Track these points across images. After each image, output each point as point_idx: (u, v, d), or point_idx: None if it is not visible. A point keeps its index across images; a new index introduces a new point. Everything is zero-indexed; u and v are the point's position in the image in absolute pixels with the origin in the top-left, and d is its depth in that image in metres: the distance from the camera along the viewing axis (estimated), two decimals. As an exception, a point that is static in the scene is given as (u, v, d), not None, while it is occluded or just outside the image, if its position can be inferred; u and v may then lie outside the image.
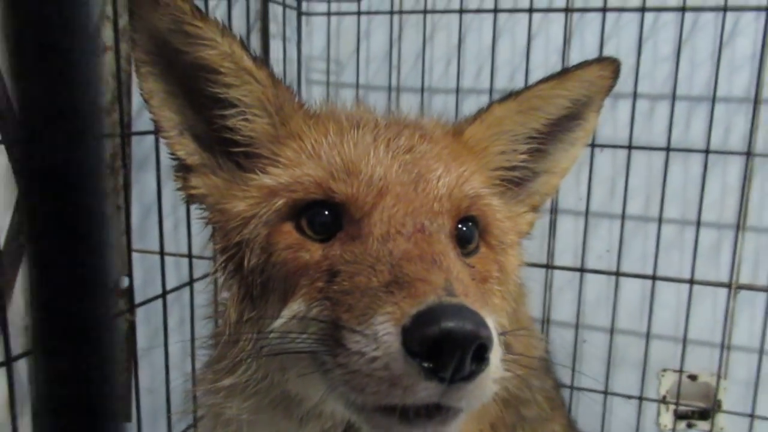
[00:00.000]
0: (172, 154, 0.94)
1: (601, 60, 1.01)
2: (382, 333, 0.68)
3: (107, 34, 1.75)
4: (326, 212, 0.85)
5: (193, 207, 1.06)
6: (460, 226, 0.89)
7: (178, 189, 0.96)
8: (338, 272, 0.78)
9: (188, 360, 1.53)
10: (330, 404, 0.83)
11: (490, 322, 0.69)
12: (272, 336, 0.82)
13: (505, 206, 1.01)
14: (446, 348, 0.65)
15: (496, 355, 0.72)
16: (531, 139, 1.04)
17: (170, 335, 1.72)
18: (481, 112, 1.02)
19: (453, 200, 0.87)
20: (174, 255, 2.00)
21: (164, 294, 1.63)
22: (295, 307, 0.81)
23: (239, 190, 0.91)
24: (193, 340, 1.47)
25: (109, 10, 1.70)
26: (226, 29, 0.89)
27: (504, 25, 1.98)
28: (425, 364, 0.67)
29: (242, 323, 0.88)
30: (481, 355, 0.68)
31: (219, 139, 0.94)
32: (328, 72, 2.11)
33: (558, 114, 1.03)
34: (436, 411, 0.71)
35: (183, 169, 0.95)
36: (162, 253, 1.64)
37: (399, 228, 0.79)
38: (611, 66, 1.01)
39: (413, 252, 0.76)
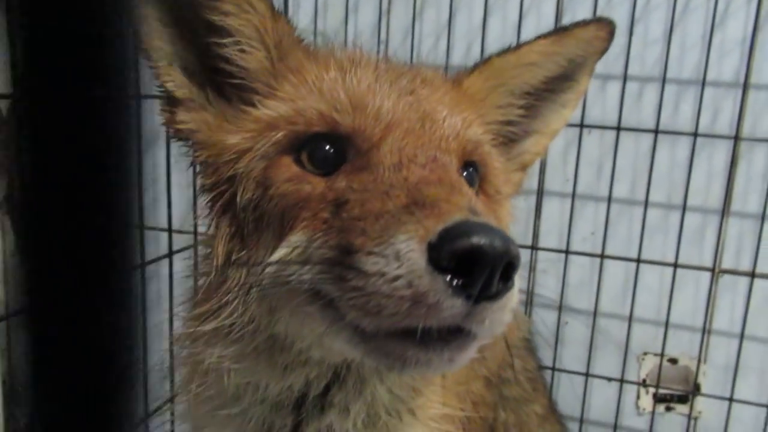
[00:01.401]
0: (159, 85, 0.91)
1: (599, 20, 1.02)
2: (406, 250, 0.66)
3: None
4: (328, 146, 0.82)
5: (172, 177, 1.03)
6: (463, 170, 0.88)
7: (164, 123, 0.93)
8: (346, 201, 0.75)
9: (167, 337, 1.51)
10: (327, 341, 0.79)
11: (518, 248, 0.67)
12: (267, 271, 0.79)
13: (502, 160, 1.01)
14: (477, 263, 0.63)
15: (518, 280, 0.70)
16: (527, 95, 1.04)
17: (149, 310, 1.69)
18: (480, 64, 1.01)
19: (459, 142, 0.86)
20: (153, 229, 1.96)
21: (143, 265, 1.59)
22: (295, 239, 0.78)
23: (232, 124, 0.88)
24: (171, 314, 1.44)
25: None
26: None
27: (495, 2, 1.95)
28: (453, 281, 0.64)
29: (230, 264, 0.85)
30: (508, 275, 0.66)
31: (211, 71, 0.91)
32: (315, 46, 2.06)
33: (554, 72, 1.03)
34: (454, 335, 0.69)
35: (170, 102, 0.92)
36: (142, 226, 1.60)
37: (412, 158, 0.77)
38: (607, 27, 1.02)
39: (431, 177, 0.74)
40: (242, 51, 0.89)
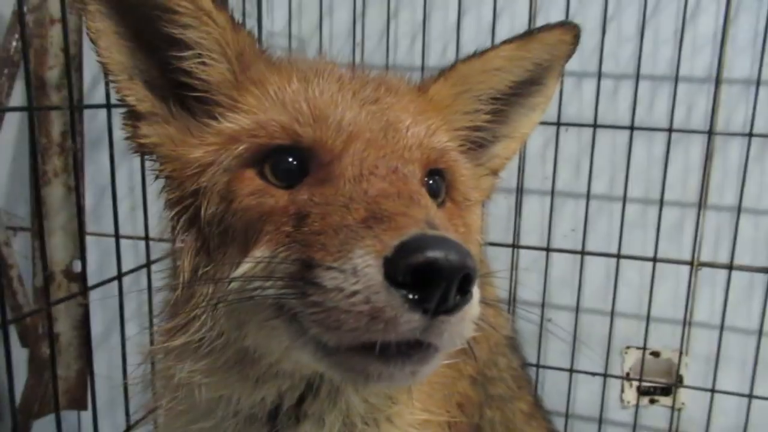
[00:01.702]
0: (121, 99, 0.90)
1: (563, 24, 1.01)
2: (363, 266, 0.66)
3: (54, 6, 1.67)
4: (290, 159, 0.82)
5: (150, 185, 1.01)
6: (428, 179, 0.87)
7: (127, 138, 0.92)
8: (307, 215, 0.75)
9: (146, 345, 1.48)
10: (294, 355, 0.79)
11: (474, 260, 0.67)
12: (232, 286, 0.79)
13: (470, 165, 1.00)
14: (432, 278, 0.63)
15: (476, 291, 0.70)
16: (494, 100, 1.04)
17: (127, 321, 1.66)
18: (445, 71, 1.01)
19: (422, 150, 0.86)
20: (130, 237, 1.93)
21: (120, 276, 1.57)
22: (259, 253, 0.77)
23: (195, 138, 0.87)
24: (151, 323, 1.42)
25: (56, -22, 1.62)
26: None
27: (469, 2, 1.95)
28: (409, 295, 0.64)
29: (197, 278, 0.84)
30: (465, 288, 0.66)
31: (173, 85, 0.90)
32: (290, 49, 2.05)
33: (520, 76, 1.03)
34: (415, 349, 0.69)
35: (133, 117, 0.90)
36: (117, 235, 1.58)
37: (372, 170, 0.77)
38: (573, 31, 1.01)
39: (390, 190, 0.74)
40: (203, 64, 0.88)
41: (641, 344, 1.95)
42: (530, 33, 1.01)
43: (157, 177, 0.92)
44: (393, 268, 0.64)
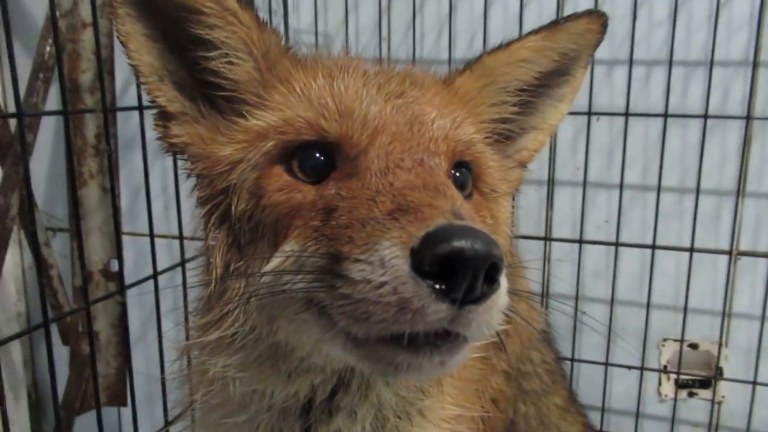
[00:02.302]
0: (152, 101, 0.92)
1: (590, 13, 1.00)
2: (390, 257, 0.66)
3: (85, 11, 1.70)
4: (317, 154, 0.83)
5: (183, 185, 1.03)
6: (454, 171, 0.88)
7: (159, 138, 0.93)
8: (335, 209, 0.76)
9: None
10: (324, 348, 0.80)
11: (501, 249, 0.67)
12: (263, 280, 0.80)
13: (497, 156, 1.00)
14: (459, 267, 0.63)
15: (504, 281, 0.70)
16: (521, 92, 1.03)
17: (163, 318, 1.69)
18: (471, 63, 1.01)
19: (448, 143, 0.86)
20: (165, 237, 1.97)
21: (155, 275, 1.60)
22: (288, 248, 0.78)
23: (224, 136, 0.89)
24: (186, 320, 1.44)
25: (87, -16, 1.65)
26: None
27: (496, -8, 1.93)
28: (436, 285, 0.65)
29: (229, 274, 0.85)
30: (492, 277, 0.66)
31: (201, 84, 0.92)
32: (316, 45, 2.06)
33: (547, 67, 1.02)
34: (443, 339, 0.69)
35: (163, 117, 0.92)
36: (152, 235, 1.60)
37: (398, 162, 0.77)
38: (600, 20, 1.00)
39: (415, 181, 0.74)
40: (230, 63, 0.90)
41: (679, 336, 1.91)
42: (556, 23, 1.00)
43: (188, 176, 0.94)
44: (419, 258, 0.65)
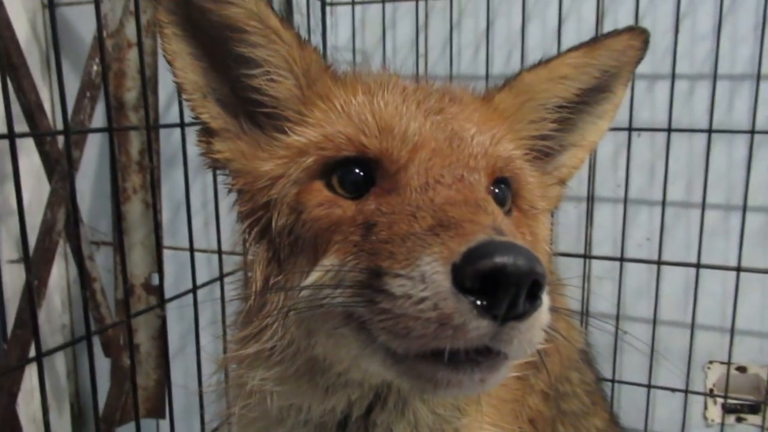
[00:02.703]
0: (195, 117, 0.94)
1: (631, 29, 0.99)
2: (431, 272, 0.66)
3: (131, 31, 1.75)
4: (357, 170, 0.83)
5: (222, 200, 1.05)
6: (493, 187, 0.87)
7: (201, 154, 0.95)
8: (375, 224, 0.76)
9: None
10: (363, 364, 0.79)
11: (544, 266, 0.66)
12: (302, 294, 0.80)
13: (536, 173, 0.99)
14: (501, 283, 0.63)
15: (546, 298, 0.69)
16: (560, 108, 1.03)
17: (202, 332, 1.71)
18: (510, 80, 1.01)
19: (488, 159, 0.85)
20: (204, 251, 2.00)
21: (194, 289, 1.62)
22: (328, 262, 0.79)
23: (265, 152, 0.90)
24: (224, 333, 1.46)
25: (132, 5, 1.70)
26: None
27: (533, 7, 1.92)
28: (478, 301, 0.64)
29: (268, 288, 0.86)
30: (534, 294, 0.65)
31: (243, 101, 0.93)
32: (354, 62, 2.08)
33: (587, 84, 1.02)
34: (484, 356, 0.69)
35: (206, 133, 0.94)
36: (192, 249, 1.63)
37: (438, 178, 0.78)
38: (641, 36, 1.00)
39: (456, 197, 0.74)
40: (272, 80, 0.91)
41: (725, 359, 1.85)
42: (597, 39, 0.99)
43: (229, 191, 0.95)
44: (461, 274, 0.64)
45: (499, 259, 0.62)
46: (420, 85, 0.97)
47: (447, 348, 0.67)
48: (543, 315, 0.69)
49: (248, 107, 0.93)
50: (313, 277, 0.80)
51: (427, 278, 0.66)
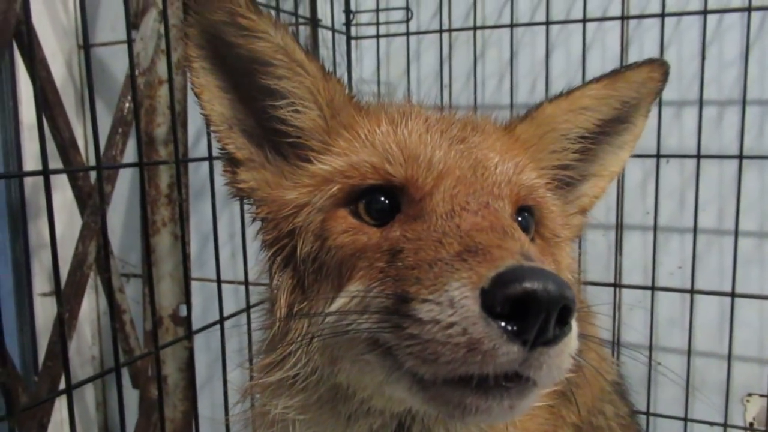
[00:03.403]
0: (221, 148, 0.96)
1: (651, 62, 1.01)
2: (459, 297, 0.66)
3: (162, 68, 1.80)
4: (383, 198, 0.84)
5: (248, 232, 1.06)
6: (517, 216, 0.88)
7: (227, 183, 0.97)
8: (401, 250, 0.76)
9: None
10: (388, 391, 0.79)
11: (573, 292, 0.66)
12: (327, 320, 0.80)
13: (558, 202, 1.00)
14: (531, 308, 0.63)
15: (575, 324, 0.69)
16: (582, 139, 1.04)
17: (229, 363, 1.71)
18: (532, 110, 1.02)
19: (512, 187, 0.86)
20: (231, 282, 2.01)
21: (221, 320, 1.63)
22: (353, 288, 0.79)
23: (290, 180, 0.92)
24: (251, 362, 1.46)
25: (163, 43, 1.75)
26: (279, 22, 0.90)
27: (557, 37, 1.93)
28: (508, 327, 0.64)
29: (292, 315, 0.87)
30: (564, 319, 0.65)
31: (268, 132, 0.95)
32: (379, 94, 2.10)
33: (608, 115, 1.03)
34: (513, 382, 0.68)
35: (232, 163, 0.96)
36: (219, 281, 1.64)
37: (464, 205, 0.78)
38: (661, 68, 1.01)
39: (482, 223, 0.75)
40: (297, 111, 0.93)
41: (765, 391, 1.78)
42: (618, 71, 1.01)
43: (253, 219, 0.97)
44: (490, 299, 0.64)
45: (529, 284, 0.62)
46: (442, 115, 0.98)
47: (476, 374, 0.67)
48: (572, 341, 0.69)
49: (273, 137, 0.95)
50: (339, 303, 0.80)
51: (455, 303, 0.66)
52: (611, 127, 1.05)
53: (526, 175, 0.90)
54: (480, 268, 0.67)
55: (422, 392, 0.73)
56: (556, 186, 1.03)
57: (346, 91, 0.95)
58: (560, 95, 1.02)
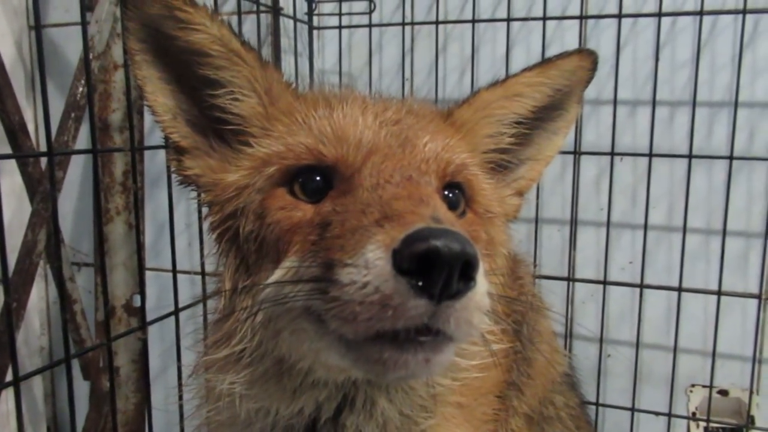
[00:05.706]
0: (166, 137, 0.99)
1: (581, 51, 1.07)
2: (374, 258, 0.70)
3: (117, 53, 1.75)
4: (317, 177, 0.88)
5: (205, 223, 1.05)
6: (446, 192, 0.92)
7: (173, 171, 1.00)
8: (330, 223, 0.81)
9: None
10: (322, 356, 0.83)
11: (477, 249, 0.70)
12: (266, 292, 0.84)
13: (493, 183, 1.05)
14: (435, 264, 0.67)
15: (483, 281, 0.73)
16: (517, 124, 1.09)
17: (184, 354, 1.69)
18: (469, 97, 1.07)
19: (439, 163, 0.91)
20: (187, 273, 1.98)
21: (176, 311, 1.61)
22: (288, 263, 0.83)
23: (232, 165, 0.95)
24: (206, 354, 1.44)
25: (119, 27, 1.70)
26: (215, 14, 0.93)
27: (518, 33, 1.95)
28: (415, 282, 0.68)
29: (237, 293, 0.90)
30: (468, 275, 0.70)
31: (211, 120, 0.98)
32: (340, 85, 2.09)
33: (542, 101, 1.08)
34: (427, 336, 0.73)
35: (177, 152, 0.99)
36: (174, 270, 1.62)
37: (388, 178, 0.83)
38: (590, 57, 1.07)
39: (402, 193, 0.80)
40: (236, 99, 0.96)
41: (708, 382, 1.85)
42: (549, 60, 1.07)
43: (200, 204, 1.02)
44: (399, 257, 0.69)
45: (433, 242, 0.67)
46: (380, 100, 1.03)
47: (390, 328, 0.71)
48: (480, 297, 0.73)
49: (216, 125, 0.98)
50: (276, 276, 0.84)
51: (370, 264, 0.70)
52: (545, 114, 1.11)
53: (456, 153, 0.94)
54: (393, 232, 0.71)
55: (350, 353, 0.77)
56: (492, 168, 1.09)
57: (284, 78, 0.99)
58: (496, 82, 1.07)
